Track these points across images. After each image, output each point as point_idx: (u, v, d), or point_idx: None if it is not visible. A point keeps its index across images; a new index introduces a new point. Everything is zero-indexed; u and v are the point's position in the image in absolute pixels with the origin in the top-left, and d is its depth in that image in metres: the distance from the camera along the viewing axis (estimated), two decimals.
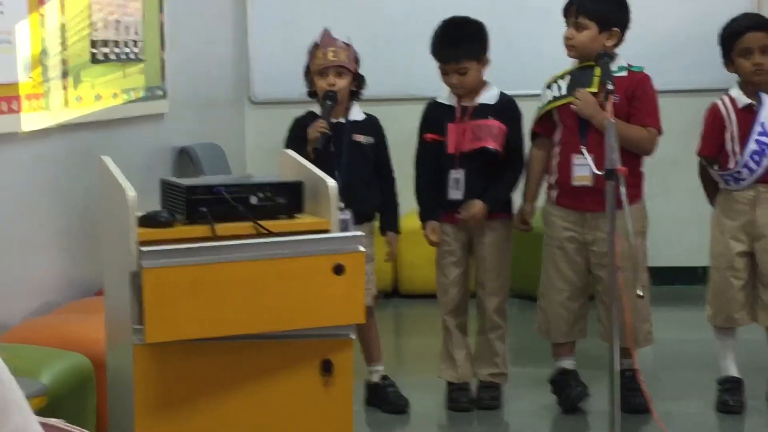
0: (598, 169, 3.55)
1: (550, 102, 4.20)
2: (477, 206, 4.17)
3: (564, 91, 4.15)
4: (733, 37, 4.14)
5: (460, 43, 4.18)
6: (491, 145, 4.14)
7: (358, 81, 4.28)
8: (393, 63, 6.36)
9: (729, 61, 4.17)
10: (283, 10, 6.53)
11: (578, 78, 4.14)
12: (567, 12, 4.18)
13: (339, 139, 4.19)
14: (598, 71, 4.06)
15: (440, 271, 4.32)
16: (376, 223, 4.37)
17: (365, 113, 4.34)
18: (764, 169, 4.09)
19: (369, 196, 4.27)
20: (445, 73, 4.22)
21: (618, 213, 3.39)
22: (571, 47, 4.15)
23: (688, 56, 6.22)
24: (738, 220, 4.16)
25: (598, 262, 4.13)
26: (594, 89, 4.07)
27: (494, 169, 4.20)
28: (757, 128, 4.07)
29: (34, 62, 3.92)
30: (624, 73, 4.09)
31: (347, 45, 4.25)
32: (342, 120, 4.25)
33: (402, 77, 6.39)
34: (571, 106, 4.10)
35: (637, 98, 4.11)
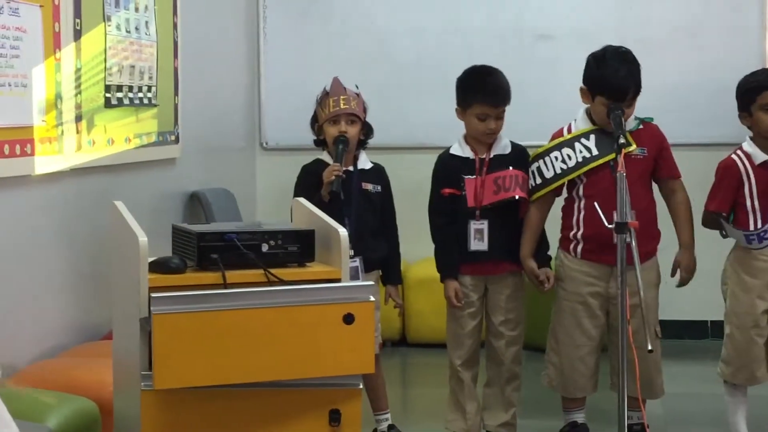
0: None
1: (579, 164, 4.09)
2: (550, 273, 4.20)
3: (595, 152, 4.07)
4: (757, 90, 4.09)
5: (502, 86, 4.21)
6: (520, 194, 4.14)
7: (367, 129, 4.32)
8: (402, 112, 6.39)
9: (747, 113, 4.11)
10: (295, 57, 6.58)
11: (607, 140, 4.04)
12: (625, 96, 4.02)
13: (348, 187, 4.20)
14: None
15: (455, 321, 4.25)
16: None
17: (372, 162, 4.36)
18: None
19: (377, 244, 4.27)
20: (483, 120, 4.15)
21: (640, 266, 3.49)
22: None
23: (694, 110, 6.24)
24: (762, 278, 4.11)
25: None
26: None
27: (515, 218, 4.21)
28: None
29: (48, 106, 3.94)
30: (640, 126, 4.10)
31: (357, 94, 4.28)
32: (350, 168, 4.27)
33: (410, 126, 6.42)
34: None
35: (664, 148, 4.16)
